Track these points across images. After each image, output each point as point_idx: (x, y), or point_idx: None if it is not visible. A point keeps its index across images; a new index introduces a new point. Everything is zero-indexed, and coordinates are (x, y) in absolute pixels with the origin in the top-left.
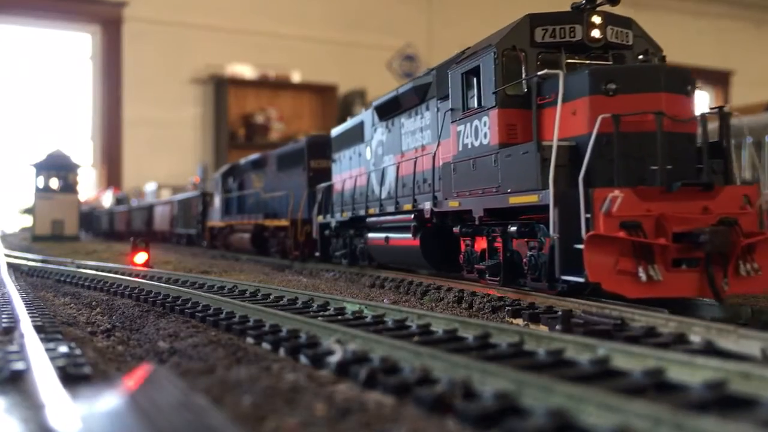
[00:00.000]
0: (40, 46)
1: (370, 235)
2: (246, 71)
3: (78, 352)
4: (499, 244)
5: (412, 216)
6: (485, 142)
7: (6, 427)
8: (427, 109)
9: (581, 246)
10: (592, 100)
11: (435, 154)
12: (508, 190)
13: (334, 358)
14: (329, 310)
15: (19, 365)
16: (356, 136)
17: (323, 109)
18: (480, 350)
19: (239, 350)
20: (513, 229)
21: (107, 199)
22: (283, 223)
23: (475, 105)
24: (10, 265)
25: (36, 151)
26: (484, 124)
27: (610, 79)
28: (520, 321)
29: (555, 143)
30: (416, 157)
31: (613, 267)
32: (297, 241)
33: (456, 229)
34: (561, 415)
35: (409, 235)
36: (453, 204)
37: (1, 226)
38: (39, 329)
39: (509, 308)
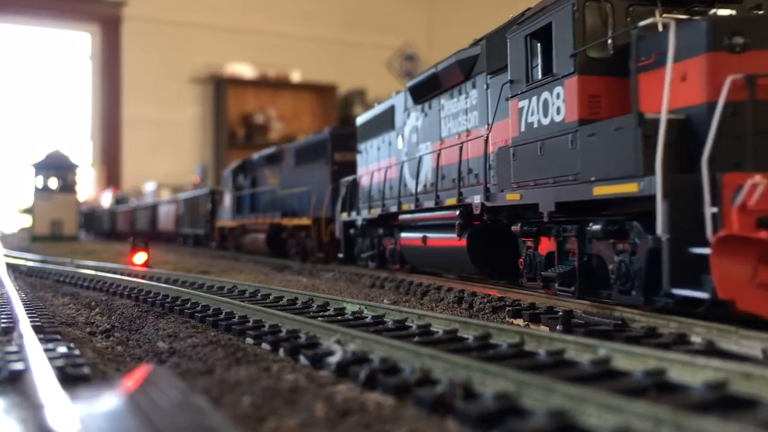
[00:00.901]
0: (40, 45)
1: (404, 234)
2: (245, 71)
3: (77, 352)
4: (573, 246)
5: (457, 212)
6: (558, 119)
7: (5, 427)
8: (474, 86)
9: (704, 251)
10: (711, 58)
11: (486, 138)
12: (592, 179)
13: (333, 359)
14: (329, 310)
15: (17, 366)
16: (386, 123)
17: (323, 109)
18: (480, 351)
19: (239, 350)
20: (596, 227)
21: (106, 199)
22: (304, 222)
23: (541, 75)
24: (9, 265)
25: (35, 150)
26: (557, 97)
27: (737, 30)
28: (520, 321)
29: (664, 116)
30: (460, 143)
31: (749, 279)
32: (321, 241)
33: (515, 228)
34: (561, 415)
35: (453, 235)
36: (512, 197)
37: (1, 226)
38: (38, 329)
39: (510, 308)
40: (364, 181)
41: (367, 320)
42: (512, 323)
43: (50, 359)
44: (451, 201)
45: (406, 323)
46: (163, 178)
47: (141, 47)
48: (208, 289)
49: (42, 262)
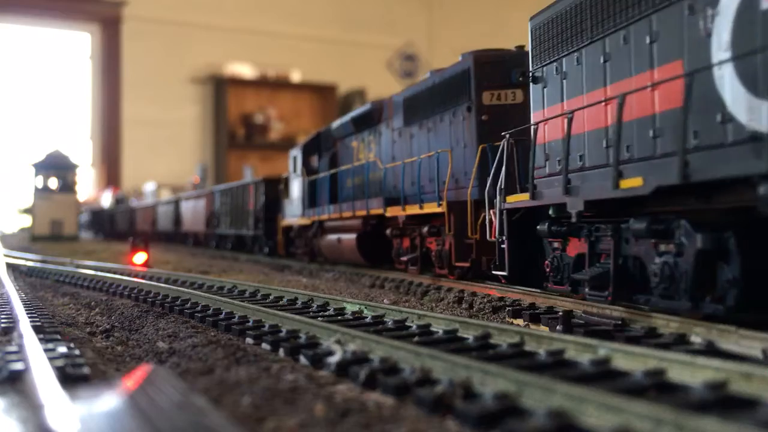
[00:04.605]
0: (40, 45)
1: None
2: (245, 71)
3: (77, 352)
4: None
5: None
6: None
7: (5, 427)
8: None
9: None
10: None
11: None
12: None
13: (333, 359)
14: (329, 310)
15: (17, 365)
16: (609, 14)
17: (323, 109)
18: (480, 351)
19: (239, 350)
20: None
21: (106, 199)
22: (428, 210)
23: None
24: (9, 265)
25: (35, 150)
26: None
27: None
28: (520, 321)
29: None
30: None
31: None
32: (461, 242)
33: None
34: (561, 415)
35: None
36: None
37: (1, 226)
38: (38, 329)
39: (510, 308)
40: (551, 133)
41: (367, 320)
42: (512, 323)
43: (50, 359)
44: None
45: (406, 323)
46: (163, 178)
47: (141, 47)
48: (208, 289)
49: (42, 262)
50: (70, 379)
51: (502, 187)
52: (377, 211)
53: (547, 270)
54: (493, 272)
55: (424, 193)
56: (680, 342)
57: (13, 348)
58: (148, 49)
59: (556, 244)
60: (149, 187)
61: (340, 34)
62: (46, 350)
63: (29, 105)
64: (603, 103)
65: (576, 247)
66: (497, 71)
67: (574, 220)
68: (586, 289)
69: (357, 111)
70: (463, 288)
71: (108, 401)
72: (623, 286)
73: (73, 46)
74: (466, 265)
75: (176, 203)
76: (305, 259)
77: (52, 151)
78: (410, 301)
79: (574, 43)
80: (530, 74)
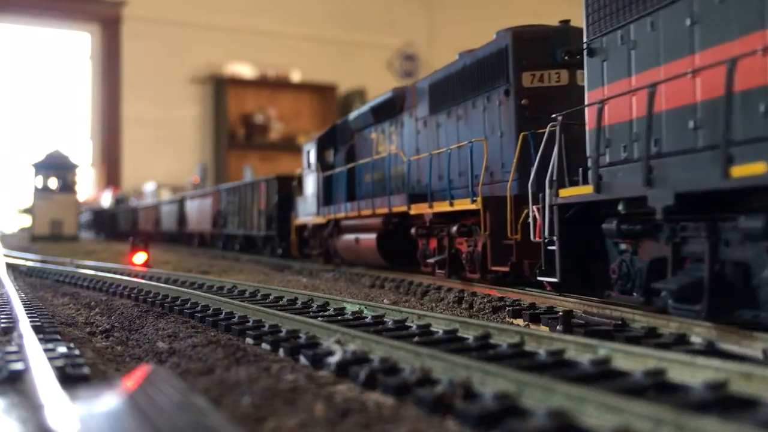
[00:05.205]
0: (40, 45)
1: None
2: (245, 70)
3: (77, 352)
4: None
5: None
6: None
7: (5, 427)
8: None
9: None
10: None
11: None
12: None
13: (333, 359)
14: (329, 310)
15: (17, 366)
16: None
17: (323, 109)
18: (480, 351)
19: (238, 350)
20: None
21: (106, 199)
22: (459, 207)
23: None
24: (9, 265)
25: (35, 150)
26: None
27: None
28: (520, 321)
29: None
30: None
31: None
32: (497, 243)
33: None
34: (561, 415)
35: None
36: None
37: (1, 226)
38: (37, 329)
39: (510, 308)
40: (622, 113)
41: (367, 320)
42: (512, 323)
43: (50, 359)
44: None
45: (406, 323)
46: (163, 178)
47: (141, 47)
48: (208, 289)
49: (42, 262)
50: (70, 379)
51: (554, 178)
52: (400, 208)
53: (614, 276)
54: (539, 278)
55: (454, 188)
56: (680, 342)
57: (13, 348)
58: (148, 49)
59: (623, 246)
60: (149, 187)
61: (340, 34)
62: (45, 350)
63: (29, 105)
64: (690, 75)
65: (652, 249)
66: (539, 49)
67: (659, 216)
68: (670, 301)
69: (377, 99)
70: (463, 288)
71: (108, 401)
72: (721, 299)
73: (73, 46)
74: (505, 269)
75: (181, 202)
76: (320, 261)
77: (52, 151)
78: (410, 301)
79: (647, 4)
80: (586, 46)
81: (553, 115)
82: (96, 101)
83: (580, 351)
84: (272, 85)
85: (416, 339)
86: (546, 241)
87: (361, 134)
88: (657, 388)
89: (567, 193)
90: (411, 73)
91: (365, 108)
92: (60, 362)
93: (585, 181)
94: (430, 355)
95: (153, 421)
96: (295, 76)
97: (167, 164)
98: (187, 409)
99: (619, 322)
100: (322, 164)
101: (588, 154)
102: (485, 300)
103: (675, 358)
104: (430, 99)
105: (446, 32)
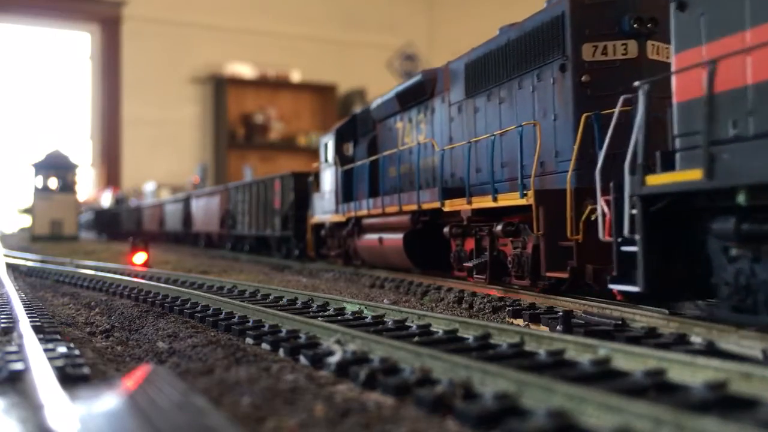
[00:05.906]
0: (39, 45)
1: None
2: (245, 70)
3: (77, 352)
4: None
5: None
6: None
7: (5, 427)
8: None
9: None
10: None
11: None
12: None
13: (333, 359)
14: (329, 310)
15: (17, 366)
16: None
17: (323, 109)
18: (480, 351)
19: (238, 351)
20: None
21: (106, 199)
22: (506, 202)
23: None
24: (9, 265)
25: (35, 150)
26: None
27: None
28: (520, 321)
29: None
30: None
31: None
32: (558, 244)
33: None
34: (561, 415)
35: None
36: None
37: (1, 226)
38: (37, 329)
39: (510, 309)
40: (725, 80)
41: (367, 320)
42: (512, 323)
43: (50, 359)
44: None
45: (406, 323)
46: (163, 178)
47: (141, 47)
48: (208, 289)
49: (42, 262)
50: (70, 379)
51: (640, 162)
52: (431, 204)
53: (727, 290)
54: (611, 286)
55: (497, 181)
56: (680, 342)
57: (13, 348)
58: (148, 49)
59: (735, 251)
60: (149, 187)
61: (340, 34)
62: (45, 350)
63: (29, 105)
64: None
65: None
66: (603, 17)
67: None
68: None
69: (403, 84)
70: (463, 288)
71: (108, 401)
72: None
73: (73, 46)
74: (563, 275)
75: (186, 202)
76: (339, 262)
77: (52, 151)
78: (410, 301)
79: None
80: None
81: (636, 83)
82: (96, 101)
83: (580, 351)
84: (272, 85)
85: (416, 339)
86: (620, 241)
87: (385, 124)
88: (657, 388)
89: (657, 180)
90: (411, 73)
91: (391, 94)
92: (60, 362)
93: (665, 168)
94: (430, 355)
95: (153, 421)
96: (295, 76)
97: (167, 164)
98: (187, 409)
99: (619, 322)
100: (341, 158)
101: (676, 132)
102: (485, 300)
103: (675, 358)
104: (467, 80)
105: (446, 32)
